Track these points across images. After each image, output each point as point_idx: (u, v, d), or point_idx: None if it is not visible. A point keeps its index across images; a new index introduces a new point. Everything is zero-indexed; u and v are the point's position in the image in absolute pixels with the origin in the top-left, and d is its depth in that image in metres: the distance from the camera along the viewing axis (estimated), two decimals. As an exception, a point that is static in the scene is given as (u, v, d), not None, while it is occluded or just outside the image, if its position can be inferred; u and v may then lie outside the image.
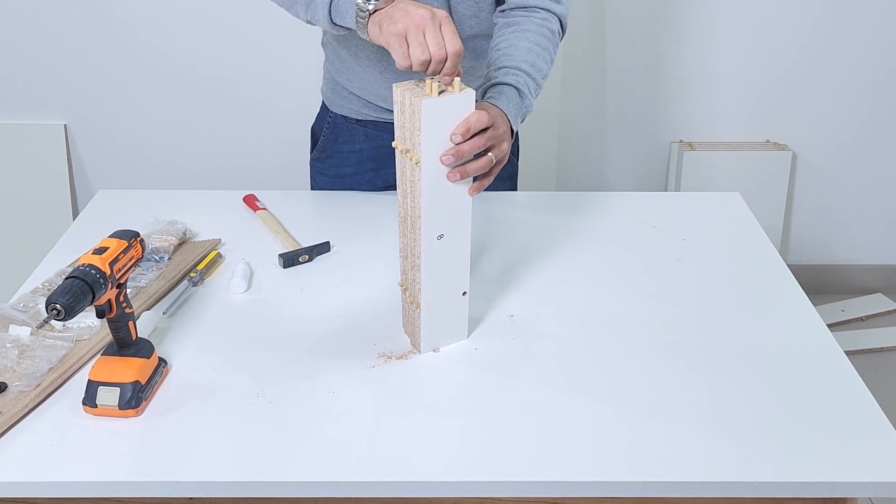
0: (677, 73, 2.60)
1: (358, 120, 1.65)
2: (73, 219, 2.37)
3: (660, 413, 1.09)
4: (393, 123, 1.62)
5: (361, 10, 1.16)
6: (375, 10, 1.15)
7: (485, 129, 1.11)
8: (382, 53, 1.51)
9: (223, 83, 2.58)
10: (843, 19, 2.53)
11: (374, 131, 1.65)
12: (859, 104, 2.64)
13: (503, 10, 1.42)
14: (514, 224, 1.57)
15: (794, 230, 2.81)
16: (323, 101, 1.71)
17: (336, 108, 1.67)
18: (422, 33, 1.08)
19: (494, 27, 1.43)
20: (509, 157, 1.66)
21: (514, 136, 1.21)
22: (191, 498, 1.04)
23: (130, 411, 1.08)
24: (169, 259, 1.41)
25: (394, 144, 1.11)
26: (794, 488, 0.99)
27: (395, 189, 1.70)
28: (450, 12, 1.44)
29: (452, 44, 1.07)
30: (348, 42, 1.56)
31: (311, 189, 1.74)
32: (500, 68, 1.31)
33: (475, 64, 1.52)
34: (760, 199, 2.55)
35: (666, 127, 2.69)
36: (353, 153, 1.67)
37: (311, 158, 1.74)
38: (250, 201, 1.62)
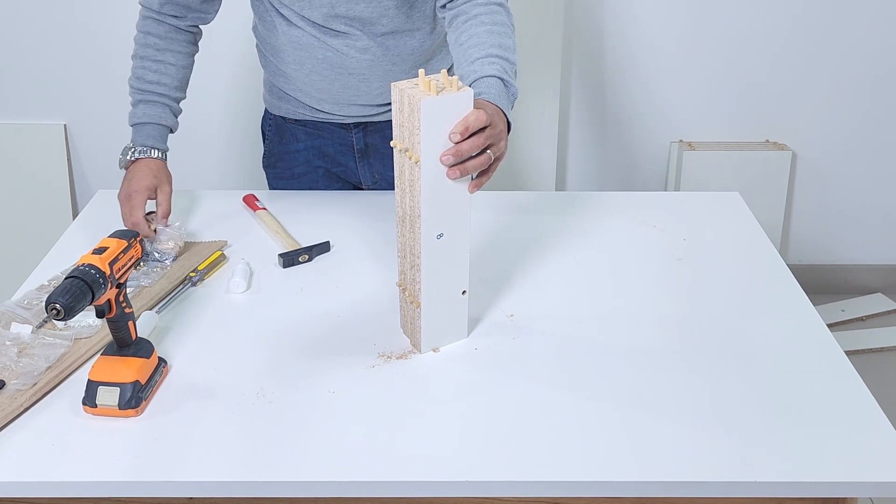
0: (677, 73, 2.60)
1: (297, 120, 1.66)
2: (73, 219, 2.37)
3: (659, 413, 1.09)
4: (328, 124, 1.64)
5: (122, 157, 1.50)
6: (126, 167, 1.50)
7: (483, 128, 1.11)
8: (304, 57, 1.52)
9: (222, 83, 2.58)
10: (842, 18, 2.53)
11: (313, 130, 1.67)
12: (859, 104, 2.64)
13: (444, 6, 1.42)
14: (514, 224, 1.57)
15: (794, 230, 2.81)
16: (265, 105, 1.72)
17: (275, 110, 1.69)
18: (125, 209, 1.44)
19: (444, 22, 1.42)
20: None
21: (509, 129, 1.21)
22: (191, 498, 1.04)
23: (130, 411, 1.08)
24: (173, 260, 1.41)
25: (392, 143, 1.11)
26: (793, 488, 0.99)
27: (350, 188, 1.72)
28: (352, 18, 1.45)
29: (126, 219, 1.43)
30: (274, 48, 1.58)
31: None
32: (473, 61, 1.29)
33: (398, 60, 1.53)
34: (760, 199, 2.55)
35: (666, 127, 2.68)
36: (298, 153, 1.70)
37: (263, 164, 1.76)
38: (250, 201, 1.62)
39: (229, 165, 2.69)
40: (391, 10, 1.46)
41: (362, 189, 1.73)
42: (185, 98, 1.58)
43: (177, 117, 1.56)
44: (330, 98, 1.58)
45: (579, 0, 2.51)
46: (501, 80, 1.26)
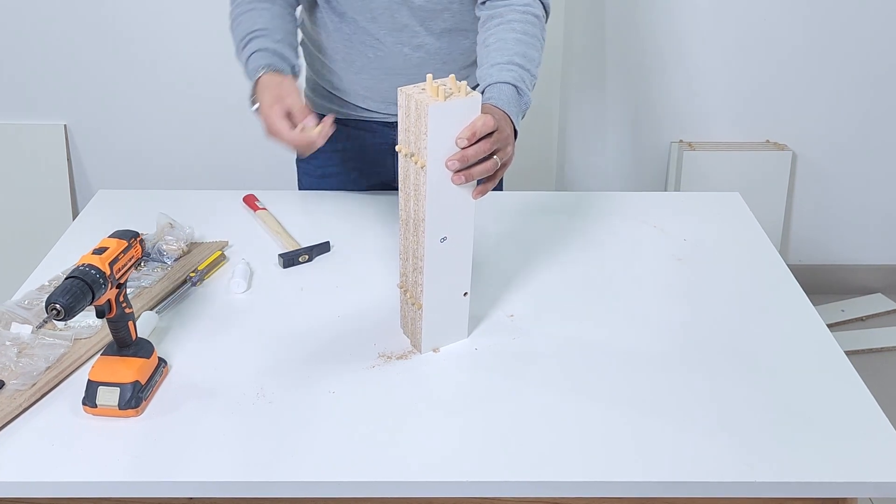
0: (677, 73, 2.60)
1: (340, 120, 1.66)
2: (73, 219, 2.37)
3: (660, 413, 1.09)
4: (373, 122, 1.64)
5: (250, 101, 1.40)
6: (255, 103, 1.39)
7: (490, 133, 1.11)
8: (354, 55, 1.52)
9: (222, 82, 2.57)
10: (842, 18, 2.53)
11: (355, 131, 1.66)
12: (859, 104, 2.64)
13: (483, 3, 1.41)
14: (515, 224, 1.57)
15: (794, 230, 2.82)
16: (306, 102, 1.72)
17: (318, 108, 1.68)
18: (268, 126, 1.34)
19: (478, 22, 1.42)
20: None
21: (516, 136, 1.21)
22: (191, 498, 1.04)
23: (130, 411, 1.08)
24: (175, 261, 1.41)
25: (397, 148, 1.11)
26: (794, 488, 0.99)
27: (381, 188, 1.72)
28: (416, 8, 1.44)
29: (267, 127, 1.34)
30: (321, 45, 1.57)
31: (299, 190, 1.75)
32: (493, 65, 1.29)
33: (448, 60, 1.53)
34: (760, 199, 2.55)
35: (666, 127, 2.69)
36: (336, 152, 1.68)
37: (296, 159, 1.75)
38: (250, 201, 1.62)
39: (230, 165, 2.69)
40: (455, 4, 1.46)
41: (396, 189, 1.72)
42: (288, 42, 1.44)
43: (289, 56, 1.43)
44: (377, 97, 1.59)
45: (579, 0, 2.51)
46: (516, 87, 1.26)
